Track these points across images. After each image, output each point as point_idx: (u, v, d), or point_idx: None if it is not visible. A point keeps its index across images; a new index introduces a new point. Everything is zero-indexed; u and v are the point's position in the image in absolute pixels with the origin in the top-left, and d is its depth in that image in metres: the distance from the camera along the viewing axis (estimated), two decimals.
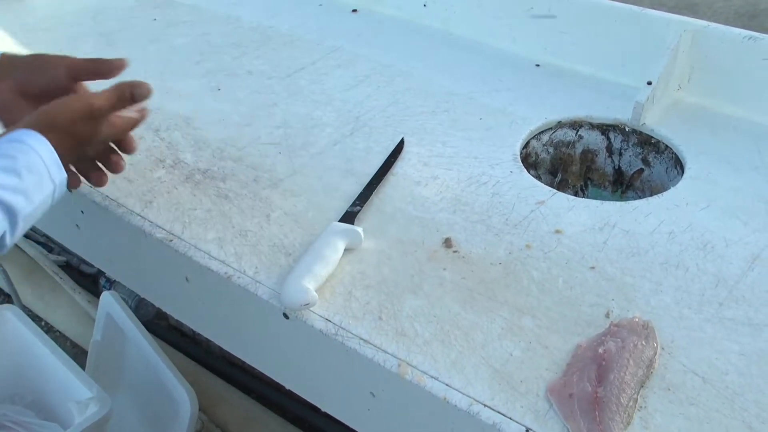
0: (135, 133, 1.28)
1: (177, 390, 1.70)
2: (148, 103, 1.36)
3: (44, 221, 1.40)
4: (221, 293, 1.07)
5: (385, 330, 0.95)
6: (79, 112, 1.03)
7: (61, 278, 2.35)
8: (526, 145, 1.35)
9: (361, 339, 0.94)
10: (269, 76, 1.54)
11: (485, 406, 0.85)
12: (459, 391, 0.87)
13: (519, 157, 1.27)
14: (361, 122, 1.37)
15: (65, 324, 2.37)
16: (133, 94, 1.09)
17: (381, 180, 1.20)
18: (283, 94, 1.47)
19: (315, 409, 1.99)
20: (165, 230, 1.12)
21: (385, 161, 1.25)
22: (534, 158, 1.38)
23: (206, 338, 2.07)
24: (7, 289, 2.38)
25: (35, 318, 2.39)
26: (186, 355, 2.15)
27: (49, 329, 2.39)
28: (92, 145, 1.09)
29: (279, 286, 1.00)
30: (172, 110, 1.41)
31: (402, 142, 1.30)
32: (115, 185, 1.20)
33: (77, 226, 1.28)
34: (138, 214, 1.15)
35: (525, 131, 1.35)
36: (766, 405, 0.84)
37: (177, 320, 2.21)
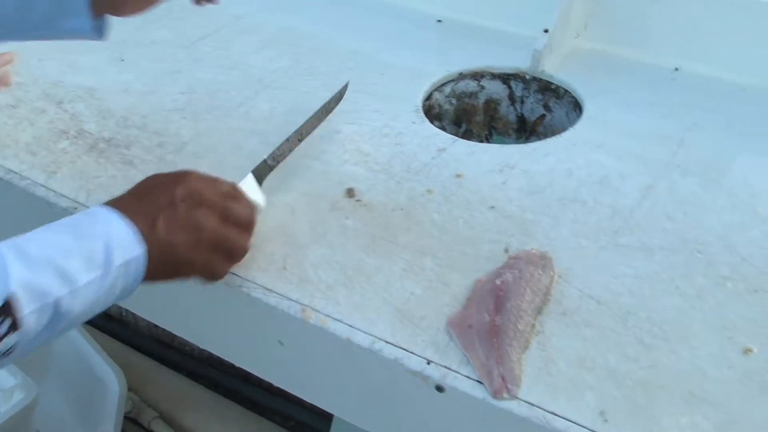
0: (35, 107, 1.28)
1: (104, 371, 1.70)
2: (50, 78, 1.36)
3: None
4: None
5: (289, 279, 0.96)
6: None
7: None
8: (429, 97, 1.37)
9: (266, 288, 0.95)
10: (173, 45, 1.53)
11: (387, 342, 0.87)
12: (361, 331, 0.88)
13: (421, 108, 1.29)
14: (265, 84, 1.38)
15: None
16: None
17: (309, 131, 1.16)
18: (187, 62, 1.46)
19: (246, 381, 2.02)
20: (69, 199, 1.12)
21: (319, 110, 1.19)
22: (437, 110, 1.40)
23: (134, 319, 2.08)
24: None
25: None
26: (115, 338, 2.15)
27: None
28: None
29: None
30: (75, 82, 1.40)
31: (345, 87, 1.24)
32: (18, 159, 1.19)
33: None
34: (42, 185, 1.15)
35: (427, 84, 1.37)
36: (657, 321, 0.87)
37: None
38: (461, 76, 1.40)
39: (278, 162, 1.09)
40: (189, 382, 2.04)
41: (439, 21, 1.59)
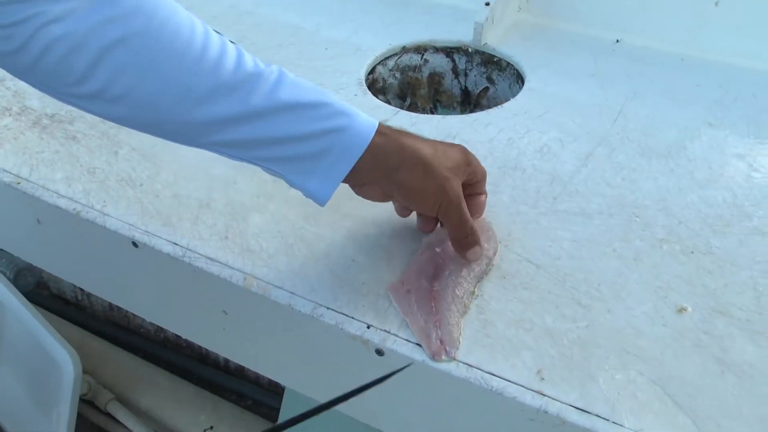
0: None
1: (59, 354, 1.69)
2: None
3: None
4: (72, 231, 1.07)
5: (231, 248, 0.96)
6: None
7: None
8: (372, 71, 1.37)
9: (208, 258, 0.95)
10: None
11: (328, 308, 0.87)
12: (303, 297, 0.89)
13: (364, 81, 1.30)
14: None
15: None
16: None
17: None
18: None
19: (202, 362, 2.01)
20: (12, 174, 1.12)
21: None
22: (381, 84, 1.41)
23: (89, 303, 2.07)
24: None
25: None
26: (71, 322, 2.14)
27: None
28: None
29: (127, 217, 1.01)
30: None
31: None
32: None
33: None
34: None
35: (370, 57, 1.37)
36: (593, 282, 0.88)
37: (59, 288, 2.20)
38: (404, 50, 1.41)
39: None
40: (145, 363, 2.04)
41: None
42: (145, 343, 2.10)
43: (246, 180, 1.07)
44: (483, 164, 0.92)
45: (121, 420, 1.91)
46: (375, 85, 1.37)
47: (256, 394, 1.95)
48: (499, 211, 1.00)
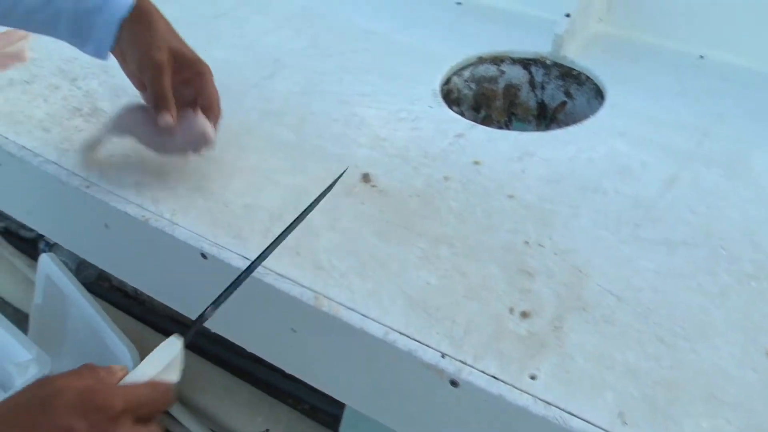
0: (50, 83, 1.26)
1: (119, 349, 1.69)
2: (64, 54, 1.34)
3: None
4: (140, 238, 1.06)
5: (302, 265, 0.94)
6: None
7: (0, 244, 2.32)
8: (448, 81, 1.35)
9: (278, 274, 0.93)
10: (189, 23, 1.50)
11: (401, 334, 0.84)
12: (375, 321, 0.86)
13: (439, 92, 1.27)
14: (281, 64, 1.35)
15: (6, 290, 2.33)
16: None
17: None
18: (203, 41, 1.44)
19: (259, 362, 2.00)
20: (81, 177, 1.10)
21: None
22: (456, 94, 1.37)
23: (149, 297, 2.07)
24: None
25: None
26: (130, 315, 2.14)
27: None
28: None
29: (197, 226, 1.00)
30: (89, 60, 1.36)
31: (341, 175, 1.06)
32: (31, 135, 1.18)
33: None
34: (54, 163, 1.13)
35: (445, 68, 1.34)
36: (677, 318, 0.85)
37: (119, 281, 2.20)
38: (481, 60, 1.38)
39: (216, 309, 0.89)
40: (202, 361, 2.03)
41: (459, 3, 1.56)
42: (203, 341, 2.09)
43: (318, 192, 1.04)
44: (562, 185, 0.91)
45: (177, 417, 1.91)
46: (450, 96, 1.34)
47: (313, 398, 1.93)
48: (579, 236, 0.96)
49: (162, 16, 1.07)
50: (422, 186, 1.05)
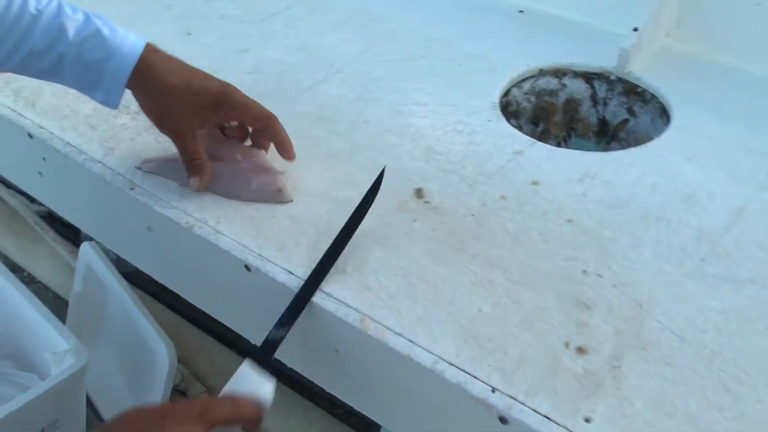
0: None
1: (156, 342, 1.67)
2: None
3: (7, 167, 1.36)
4: (183, 244, 1.03)
5: (349, 283, 0.90)
6: None
7: (42, 229, 2.31)
8: (507, 93, 1.30)
9: (323, 292, 0.89)
10: (242, 21, 1.48)
11: (450, 364, 0.80)
12: (423, 348, 0.82)
13: (498, 105, 1.22)
14: (335, 68, 1.32)
15: (47, 275, 2.33)
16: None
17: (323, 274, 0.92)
18: (256, 39, 1.41)
19: None
20: (126, 178, 1.08)
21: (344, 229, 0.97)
22: (515, 107, 1.33)
23: None
24: None
25: (17, 268, 2.36)
26: (168, 307, 2.11)
27: (30, 280, 2.36)
28: None
29: (242, 236, 0.96)
30: None
31: (381, 175, 1.01)
32: (76, 131, 1.16)
33: (40, 173, 1.23)
34: (99, 161, 1.10)
35: (505, 79, 1.30)
36: (745, 365, 0.80)
37: None
38: (542, 73, 1.33)
39: (288, 330, 0.88)
40: (238, 358, 2.00)
41: (521, 11, 1.51)
42: (239, 338, 2.07)
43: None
44: (624, 210, 0.92)
45: None
46: (508, 108, 1.30)
47: (348, 405, 1.89)
48: (640, 267, 0.91)
49: (170, 65, 1.02)
50: (477, 205, 1.01)
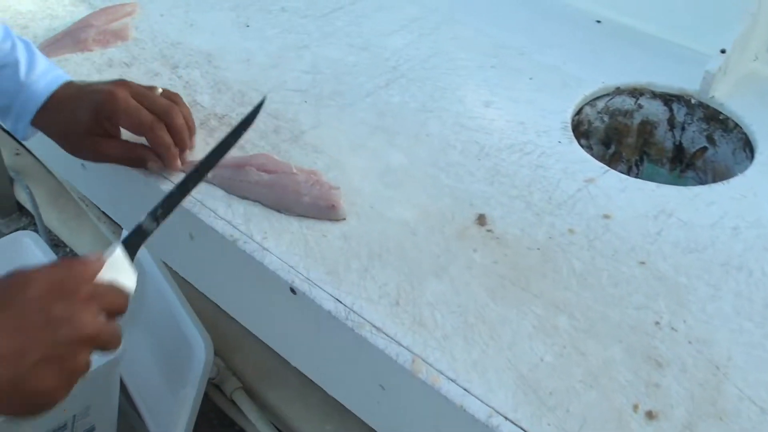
0: (150, 69, 1.18)
1: (193, 334, 1.64)
2: (168, 37, 1.25)
3: (52, 158, 1.31)
4: (226, 256, 0.97)
5: (401, 318, 0.83)
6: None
7: (86, 205, 2.28)
8: (579, 111, 1.22)
9: (374, 326, 0.83)
10: (303, 15, 1.41)
11: (506, 419, 0.74)
12: (478, 399, 0.76)
13: (570, 126, 1.14)
14: (399, 73, 1.25)
15: (88, 252, 2.29)
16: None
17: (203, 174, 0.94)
18: (316, 35, 1.34)
19: None
20: (170, 181, 1.02)
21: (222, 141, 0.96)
22: (586, 126, 1.25)
23: None
24: (32, 211, 2.32)
25: (60, 243, 2.33)
26: (206, 296, 2.07)
27: (74, 256, 2.33)
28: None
29: (289, 256, 0.90)
30: (194, 45, 1.29)
31: (261, 103, 1.01)
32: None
33: (83, 165, 1.18)
34: None
35: (579, 96, 1.22)
36: None
37: None
38: (618, 91, 1.25)
39: (159, 224, 0.87)
40: (276, 356, 1.94)
41: (599, 21, 1.43)
42: None
43: (426, 232, 0.94)
44: (702, 256, 0.89)
45: (245, 411, 1.84)
46: (579, 128, 1.22)
47: None
48: (718, 323, 0.84)
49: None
50: (543, 238, 0.94)
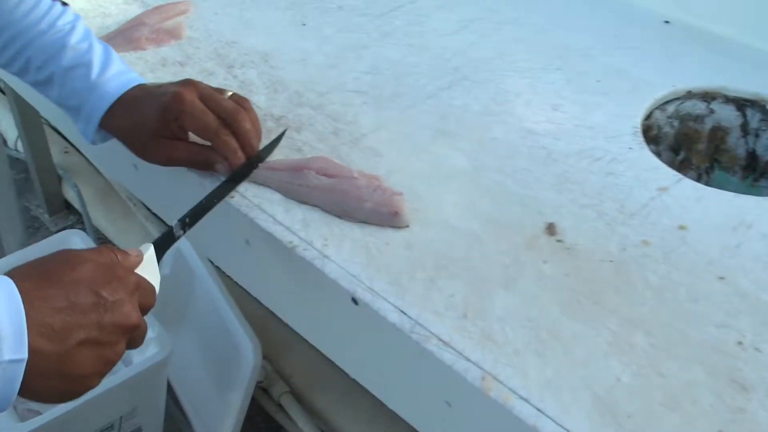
0: (204, 68, 1.15)
1: (242, 338, 1.63)
2: (223, 36, 1.23)
3: (102, 159, 1.29)
4: (284, 263, 0.93)
5: (469, 331, 0.79)
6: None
7: (134, 205, 2.27)
8: (649, 116, 1.17)
9: (441, 340, 0.79)
10: (361, 13, 1.38)
11: None
12: (553, 420, 0.71)
13: (640, 130, 1.10)
14: (461, 74, 1.21)
15: None
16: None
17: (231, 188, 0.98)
18: (375, 35, 1.31)
19: None
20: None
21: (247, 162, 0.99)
22: (655, 132, 1.20)
23: None
24: (80, 209, 2.31)
25: (107, 242, 2.32)
26: (255, 297, 2.04)
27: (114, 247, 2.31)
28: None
29: (350, 264, 0.86)
30: (250, 45, 1.26)
31: (281, 135, 1.05)
32: None
33: (135, 166, 1.15)
34: None
35: (649, 100, 1.17)
36: None
37: None
38: (689, 95, 1.20)
39: (185, 231, 0.91)
40: (325, 360, 1.91)
41: (667, 22, 1.38)
42: None
43: (493, 240, 0.90)
44: None
45: (292, 416, 1.82)
46: (648, 133, 1.17)
47: None
48: None
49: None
50: (616, 249, 0.90)
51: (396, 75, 1.20)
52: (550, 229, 0.92)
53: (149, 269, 0.81)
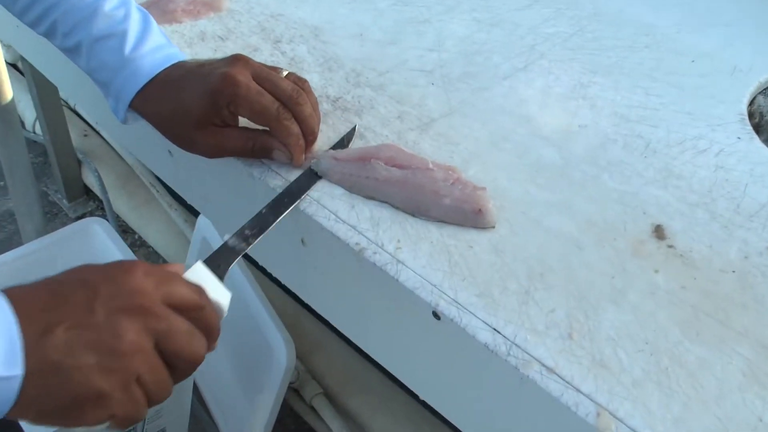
0: (248, 43, 1.03)
1: (274, 337, 1.54)
2: (268, 8, 1.11)
3: (135, 144, 1.18)
4: (348, 269, 0.80)
5: (577, 355, 0.67)
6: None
7: (158, 191, 2.16)
8: (752, 102, 1.04)
9: (544, 366, 0.66)
10: None
11: None
12: None
13: (747, 118, 0.97)
14: (538, 53, 1.08)
15: (158, 241, 2.20)
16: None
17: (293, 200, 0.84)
18: (437, 9, 1.18)
19: None
20: (280, 176, 0.86)
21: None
22: (758, 119, 1.07)
23: None
24: (100, 195, 2.22)
25: (128, 230, 2.23)
26: (287, 293, 1.93)
27: (141, 244, 2.23)
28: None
29: (429, 271, 0.74)
30: (298, 18, 1.13)
31: (352, 131, 0.93)
32: None
33: (170, 152, 1.03)
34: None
35: (752, 83, 1.04)
36: None
37: None
38: None
39: (249, 244, 0.79)
40: (360, 359, 1.82)
41: None
42: None
43: (594, 246, 0.77)
44: None
45: (324, 418, 1.72)
46: (750, 120, 1.04)
47: None
48: None
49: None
50: (737, 257, 0.77)
51: (464, 53, 1.07)
52: (659, 232, 0.79)
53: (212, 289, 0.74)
